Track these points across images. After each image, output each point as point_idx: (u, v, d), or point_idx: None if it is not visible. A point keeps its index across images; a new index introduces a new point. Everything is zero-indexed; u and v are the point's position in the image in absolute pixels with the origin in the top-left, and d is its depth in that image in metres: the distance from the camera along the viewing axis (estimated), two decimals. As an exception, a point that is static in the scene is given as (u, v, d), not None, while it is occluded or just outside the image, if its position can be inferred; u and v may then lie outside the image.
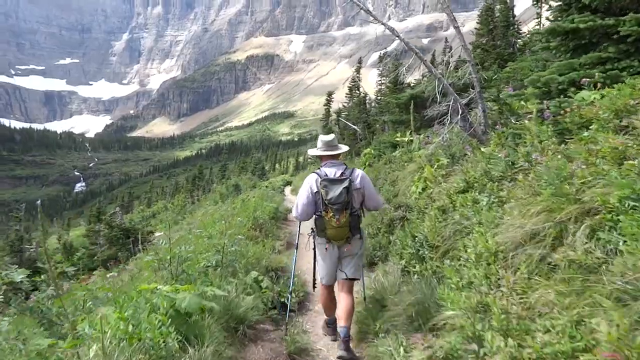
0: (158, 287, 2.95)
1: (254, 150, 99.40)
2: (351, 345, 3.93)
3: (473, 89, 6.96)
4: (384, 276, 4.97)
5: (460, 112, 6.54)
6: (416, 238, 4.80)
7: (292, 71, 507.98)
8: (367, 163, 11.53)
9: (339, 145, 4.42)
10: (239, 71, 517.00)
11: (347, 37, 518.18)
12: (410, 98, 9.96)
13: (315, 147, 4.46)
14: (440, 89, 6.68)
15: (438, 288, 3.64)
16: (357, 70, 27.37)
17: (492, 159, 4.30)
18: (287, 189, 28.12)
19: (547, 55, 9.88)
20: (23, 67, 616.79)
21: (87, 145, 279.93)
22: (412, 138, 8.99)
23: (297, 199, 4.22)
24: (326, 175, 4.09)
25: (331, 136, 4.43)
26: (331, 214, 3.96)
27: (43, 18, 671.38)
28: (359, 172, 4.19)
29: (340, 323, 3.99)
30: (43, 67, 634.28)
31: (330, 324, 4.60)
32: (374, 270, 5.90)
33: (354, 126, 19.66)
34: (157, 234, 26.49)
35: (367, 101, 22.86)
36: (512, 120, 6.68)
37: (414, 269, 4.70)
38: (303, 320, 4.91)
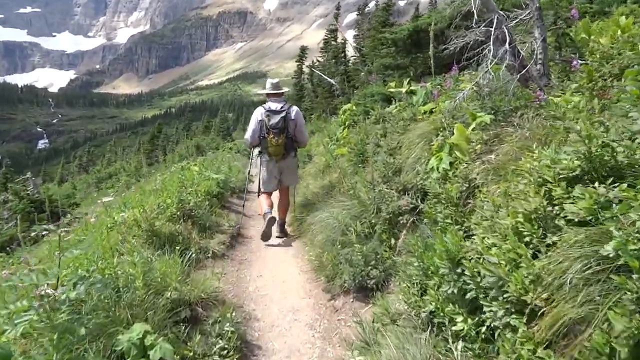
0: None
1: (222, 109, 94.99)
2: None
3: (523, 7, 4.50)
4: (393, 332, 2.61)
5: (508, 42, 4.07)
6: (460, 265, 2.42)
7: (265, 29, 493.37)
8: (347, 123, 9.00)
9: (282, 87, 5.86)
10: (211, 27, 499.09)
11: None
12: (413, 31, 7.28)
13: (266, 83, 5.90)
14: (476, 4, 4.18)
15: None
16: (336, 17, 24.18)
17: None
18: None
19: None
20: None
21: (51, 100, 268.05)
22: (414, 88, 6.49)
23: (249, 126, 5.86)
24: (270, 107, 5.57)
25: (277, 79, 5.86)
26: (272, 136, 5.49)
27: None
28: (295, 108, 5.75)
29: (279, 216, 5.79)
30: (2, 16, 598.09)
31: (267, 212, 5.56)
32: (367, 301, 3.49)
33: (330, 80, 16.78)
34: (105, 199, 23.67)
35: (345, 49, 19.74)
36: (576, 58, 4.34)
37: (455, 327, 2.35)
38: None
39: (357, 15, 29.50)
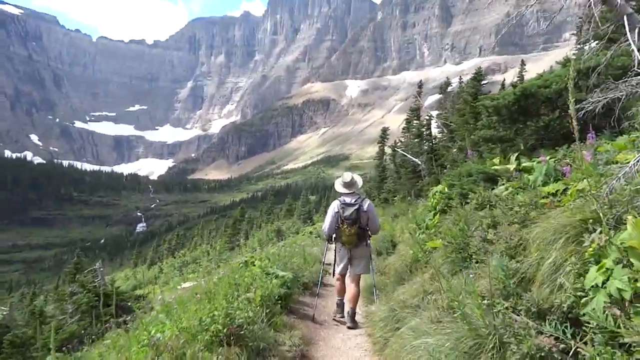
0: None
1: (305, 192, 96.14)
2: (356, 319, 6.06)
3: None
4: None
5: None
6: None
7: (347, 115, 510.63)
8: (438, 208, 7.65)
9: (355, 182, 6.36)
10: (296, 115, 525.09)
11: (402, 81, 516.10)
12: (521, 95, 5.97)
13: (339, 180, 6.45)
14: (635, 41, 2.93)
15: None
16: (418, 94, 23.40)
17: None
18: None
19: None
20: (97, 114, 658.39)
21: (150, 187, 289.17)
22: (527, 163, 5.13)
23: (326, 218, 6.38)
24: (344, 200, 6.15)
25: (349, 176, 6.43)
26: (345, 226, 6.00)
27: (116, 69, 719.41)
28: (367, 201, 6.26)
29: (349, 305, 6.10)
30: (114, 114, 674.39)
31: (340, 305, 6.36)
32: None
33: (415, 159, 15.48)
34: (185, 285, 23.32)
35: (430, 127, 18.45)
36: None
37: None
38: None
39: (440, 94, 28.76)
